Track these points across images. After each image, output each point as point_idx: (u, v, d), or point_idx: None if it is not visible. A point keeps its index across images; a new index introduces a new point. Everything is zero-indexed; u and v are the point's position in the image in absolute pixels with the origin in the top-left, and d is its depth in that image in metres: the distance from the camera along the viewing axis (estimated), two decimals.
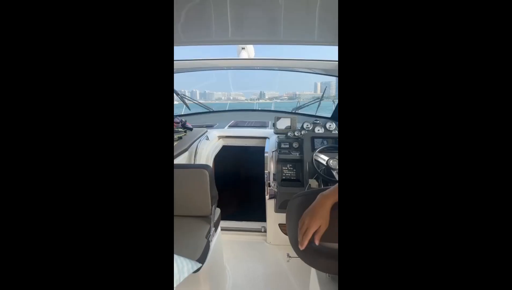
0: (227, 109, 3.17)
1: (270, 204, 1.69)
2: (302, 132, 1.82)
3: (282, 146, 1.75)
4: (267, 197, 1.66)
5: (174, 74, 2.32)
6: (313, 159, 1.51)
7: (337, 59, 1.63)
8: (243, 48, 2.03)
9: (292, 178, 1.62)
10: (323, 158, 1.51)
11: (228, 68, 2.27)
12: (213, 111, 2.76)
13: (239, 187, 2.56)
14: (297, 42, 1.34)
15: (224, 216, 1.93)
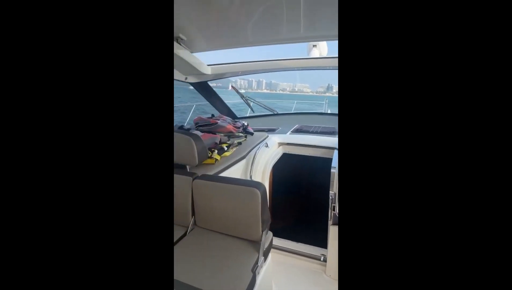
0: (292, 111, 2.97)
1: (333, 231, 1.43)
2: None
3: None
4: (330, 222, 1.43)
5: (242, 76, 2.26)
6: None
7: None
8: (314, 46, 1.77)
9: None
10: None
11: (297, 69, 2.06)
12: (277, 114, 2.60)
13: (298, 202, 2.30)
14: None
15: (278, 233, 1.78)
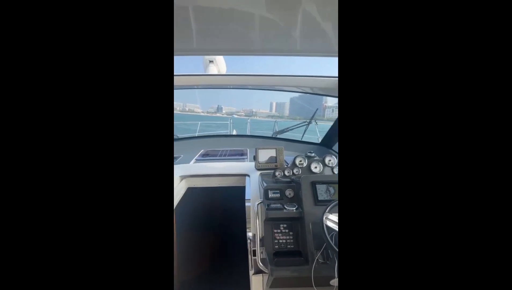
0: (197, 133, 2.35)
1: (256, 282, 1.06)
2: (295, 171, 1.19)
3: (271, 195, 1.08)
4: (251, 272, 1.04)
5: None
6: (323, 224, 0.82)
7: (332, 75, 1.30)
8: (211, 62, 1.59)
9: (289, 247, 0.98)
10: (336, 221, 0.80)
11: (196, 87, 1.69)
12: (178, 139, 2.22)
13: (212, 245, 1.85)
14: (280, 52, 0.98)
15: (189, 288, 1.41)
